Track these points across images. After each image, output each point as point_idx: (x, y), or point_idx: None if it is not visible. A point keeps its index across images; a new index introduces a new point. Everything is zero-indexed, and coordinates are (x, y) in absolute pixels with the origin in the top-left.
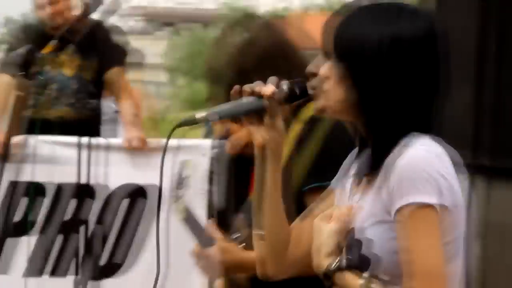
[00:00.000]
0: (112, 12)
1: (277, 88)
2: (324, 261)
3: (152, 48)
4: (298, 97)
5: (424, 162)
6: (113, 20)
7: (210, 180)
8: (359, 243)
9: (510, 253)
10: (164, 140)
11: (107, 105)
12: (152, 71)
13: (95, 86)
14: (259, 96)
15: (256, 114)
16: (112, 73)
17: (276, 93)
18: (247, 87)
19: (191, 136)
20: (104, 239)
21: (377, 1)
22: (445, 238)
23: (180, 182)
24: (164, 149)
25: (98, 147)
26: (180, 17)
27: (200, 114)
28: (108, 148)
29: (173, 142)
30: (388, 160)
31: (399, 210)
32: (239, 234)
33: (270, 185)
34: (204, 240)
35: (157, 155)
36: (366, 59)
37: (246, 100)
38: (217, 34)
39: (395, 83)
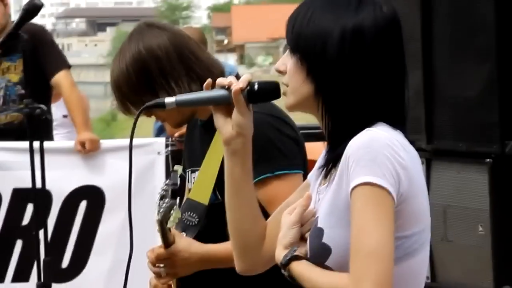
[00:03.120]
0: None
1: (249, 85)
2: (281, 252)
3: (96, 49)
4: (268, 97)
5: (384, 146)
6: (53, 23)
7: (167, 178)
8: (320, 232)
9: (452, 233)
10: (112, 140)
11: (56, 109)
12: (99, 71)
13: (43, 91)
14: (229, 89)
15: (225, 108)
16: (59, 77)
17: (245, 90)
18: (220, 80)
19: (142, 135)
20: (65, 242)
21: None
22: (406, 231)
23: (174, 191)
24: (132, 133)
25: (50, 151)
26: (121, 17)
27: (169, 99)
28: (61, 151)
29: (127, 141)
30: (349, 142)
31: (352, 190)
32: (185, 235)
33: (241, 179)
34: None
35: (110, 156)
36: (328, 56)
37: (215, 92)
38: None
39: (359, 77)
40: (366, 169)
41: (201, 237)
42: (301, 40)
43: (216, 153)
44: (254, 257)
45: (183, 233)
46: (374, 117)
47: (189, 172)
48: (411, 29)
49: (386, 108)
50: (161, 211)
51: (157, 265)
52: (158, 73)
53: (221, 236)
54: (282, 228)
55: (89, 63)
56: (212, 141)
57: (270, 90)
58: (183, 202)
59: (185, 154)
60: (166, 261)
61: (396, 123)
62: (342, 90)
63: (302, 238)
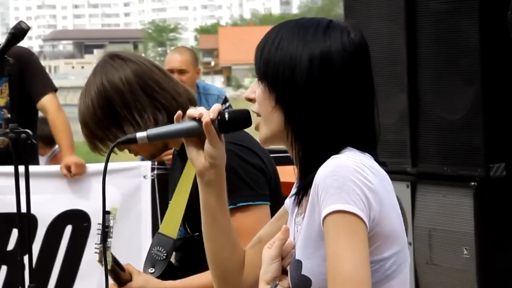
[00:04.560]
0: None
1: (219, 115)
2: (264, 287)
3: (83, 71)
4: (240, 126)
5: (352, 171)
6: (40, 45)
7: (153, 202)
8: (299, 264)
9: (437, 256)
10: (98, 164)
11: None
12: None
13: (29, 115)
14: (199, 121)
15: (197, 139)
16: (45, 100)
17: (215, 120)
18: (190, 111)
19: (128, 159)
20: (50, 267)
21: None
22: (384, 253)
23: (106, 234)
24: (105, 167)
25: (36, 175)
26: (108, 39)
27: (140, 134)
28: (46, 175)
29: (113, 165)
30: (317, 175)
31: (324, 220)
32: (153, 270)
33: (216, 210)
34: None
35: (96, 180)
36: (297, 83)
37: (186, 124)
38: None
39: (328, 103)
40: (335, 197)
41: (177, 272)
42: (269, 68)
43: (185, 185)
44: (234, 286)
45: (152, 268)
46: (343, 142)
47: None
48: (396, 52)
49: (354, 133)
50: (97, 252)
51: None
52: (122, 106)
53: (197, 270)
54: (263, 263)
55: (76, 85)
56: (182, 174)
57: (241, 119)
58: (154, 236)
59: (169, 184)
60: None
61: (365, 146)
62: (311, 117)
63: (284, 272)
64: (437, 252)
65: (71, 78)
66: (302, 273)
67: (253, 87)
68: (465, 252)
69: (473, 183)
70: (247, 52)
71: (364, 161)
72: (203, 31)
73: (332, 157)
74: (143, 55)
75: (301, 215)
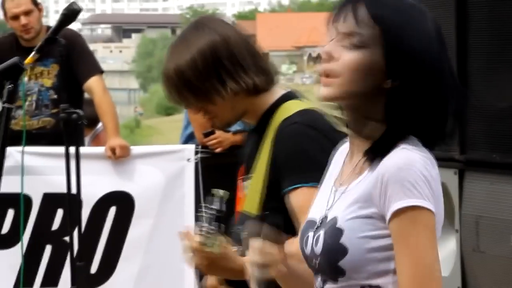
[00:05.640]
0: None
1: None
2: None
3: (121, 55)
4: None
5: (422, 167)
6: (79, 28)
7: (197, 186)
8: (339, 232)
9: (484, 243)
10: (142, 147)
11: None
12: (123, 78)
13: (75, 95)
14: None
15: None
16: (91, 82)
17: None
18: None
19: (171, 141)
20: (94, 247)
21: None
22: None
23: (214, 217)
24: None
25: (81, 156)
26: (146, 23)
27: None
28: (91, 157)
29: (157, 147)
30: (385, 160)
31: (397, 212)
32: (240, 248)
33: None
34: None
35: (140, 162)
36: (424, 62)
37: None
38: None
39: (431, 79)
40: (410, 192)
41: None
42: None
43: (262, 163)
44: None
45: (238, 246)
46: (416, 131)
47: (241, 180)
48: (446, 38)
49: (433, 121)
50: (203, 234)
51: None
52: (229, 59)
53: None
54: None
55: (114, 69)
56: (259, 150)
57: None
58: (238, 214)
59: (240, 160)
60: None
61: (427, 139)
62: (418, 98)
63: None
64: (484, 240)
65: (109, 62)
66: (340, 242)
67: (335, 45)
68: None
69: None
70: (285, 38)
71: (425, 155)
72: (241, 17)
73: (401, 147)
74: None
75: (344, 186)
